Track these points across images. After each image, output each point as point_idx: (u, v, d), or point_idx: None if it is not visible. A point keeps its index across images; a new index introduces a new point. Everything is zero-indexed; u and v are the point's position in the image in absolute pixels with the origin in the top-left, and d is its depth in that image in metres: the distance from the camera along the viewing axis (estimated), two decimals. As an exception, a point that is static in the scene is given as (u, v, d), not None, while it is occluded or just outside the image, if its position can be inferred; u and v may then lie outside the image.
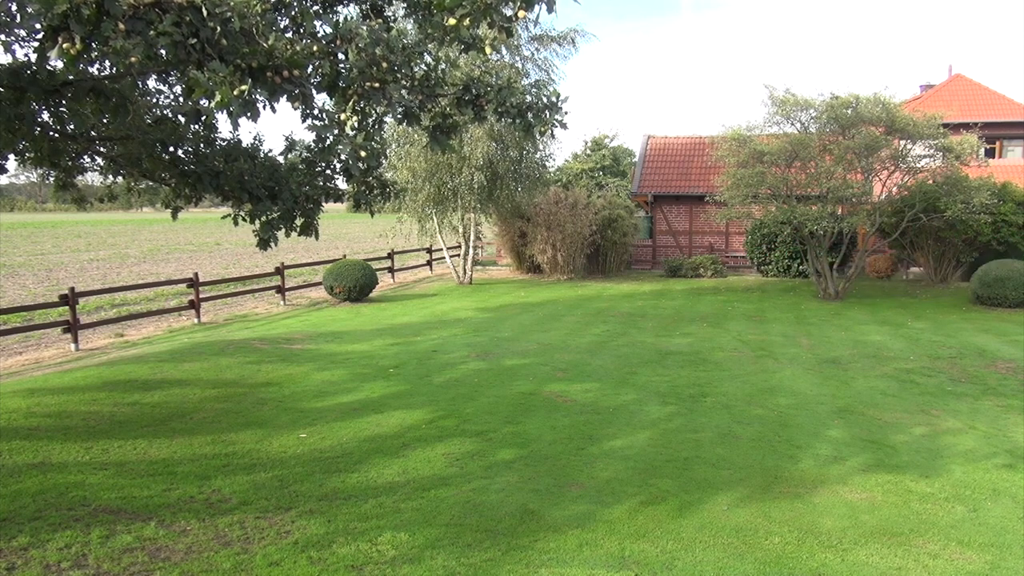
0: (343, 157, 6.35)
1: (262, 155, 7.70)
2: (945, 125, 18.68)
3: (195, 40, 3.87)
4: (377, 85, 4.81)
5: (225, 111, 3.97)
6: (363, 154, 5.02)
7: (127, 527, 5.59)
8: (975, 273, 18.17)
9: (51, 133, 7.14)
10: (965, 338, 13.64)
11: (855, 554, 5.27)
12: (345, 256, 22.28)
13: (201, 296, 17.21)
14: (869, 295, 19.98)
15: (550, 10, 4.82)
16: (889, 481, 6.64)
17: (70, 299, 13.51)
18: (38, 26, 4.13)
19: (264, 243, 6.90)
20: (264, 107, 4.38)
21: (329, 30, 5.00)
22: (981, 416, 8.66)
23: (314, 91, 4.79)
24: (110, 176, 8.40)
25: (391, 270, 25.15)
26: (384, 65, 4.79)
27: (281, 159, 7.48)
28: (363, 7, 6.51)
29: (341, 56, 4.91)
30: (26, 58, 5.86)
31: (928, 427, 8.26)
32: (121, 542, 5.34)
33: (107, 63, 5.92)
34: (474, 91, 6.00)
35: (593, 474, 6.79)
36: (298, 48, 4.44)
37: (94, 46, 4.16)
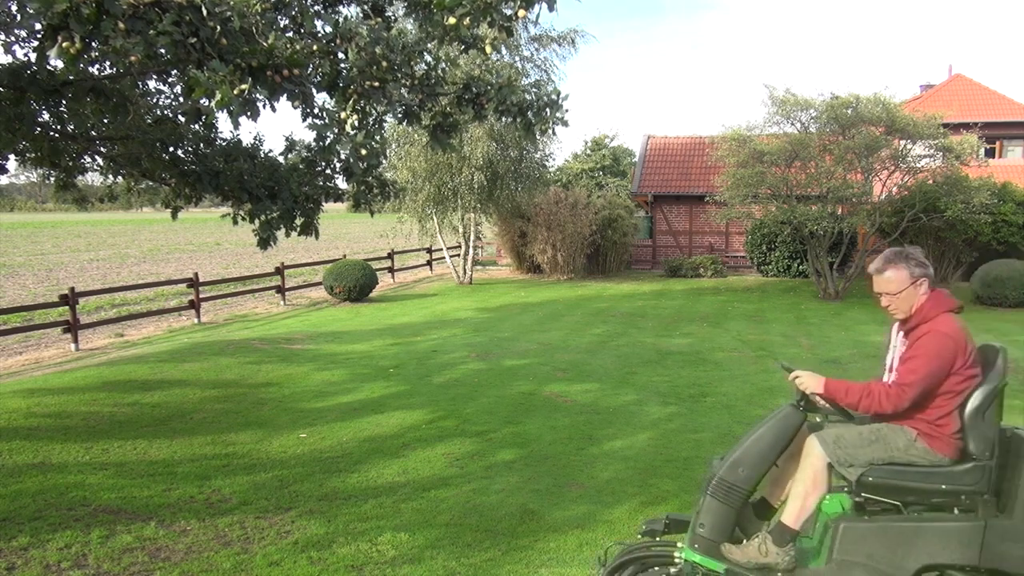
0: (343, 156, 6.35)
1: (262, 155, 7.69)
2: (945, 125, 18.68)
3: (195, 39, 3.86)
4: (377, 84, 4.80)
5: (225, 110, 3.96)
6: (363, 152, 5.01)
7: (127, 527, 5.59)
8: (975, 273, 18.18)
9: (51, 133, 7.14)
10: (965, 338, 13.63)
11: (855, 554, 5.26)
12: (345, 256, 22.29)
13: (201, 296, 17.22)
14: (869, 295, 19.93)
15: (551, 8, 4.82)
16: (889, 481, 6.63)
17: (70, 299, 13.51)
18: (38, 26, 4.13)
19: (264, 243, 6.89)
20: (264, 106, 4.38)
21: (329, 29, 5.00)
22: (981, 416, 8.65)
23: (314, 90, 4.78)
24: (110, 176, 8.40)
25: (391, 270, 25.16)
26: (384, 64, 4.79)
27: (281, 159, 7.47)
28: (364, 7, 6.51)
29: (341, 55, 4.91)
30: (26, 58, 5.86)
31: (928, 427, 8.25)
32: (121, 542, 5.33)
33: (107, 63, 5.93)
34: (474, 90, 5.99)
35: (593, 474, 6.78)
36: (298, 47, 4.44)
37: (94, 45, 4.16)
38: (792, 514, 3.56)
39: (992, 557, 3.19)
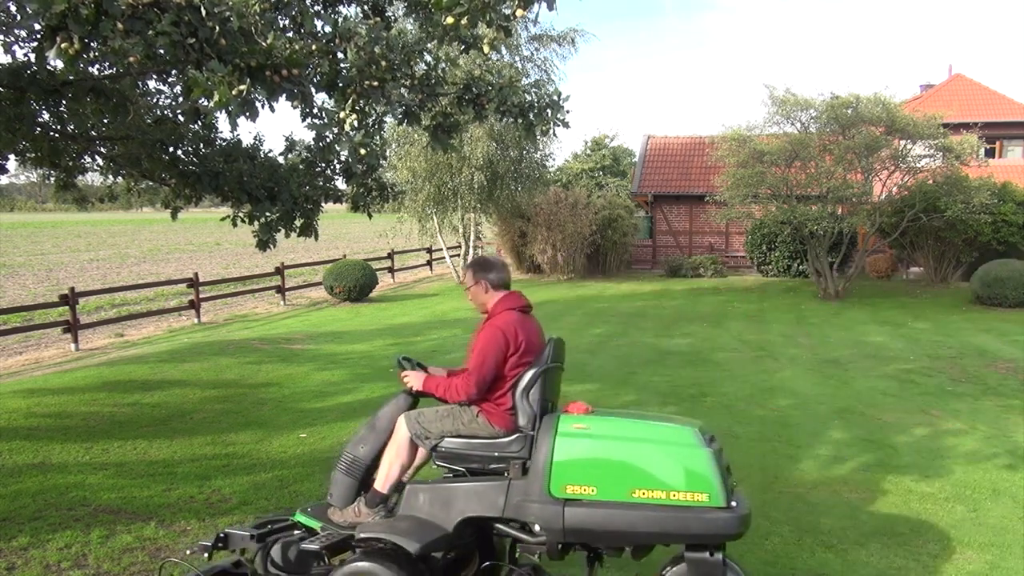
0: (343, 156, 6.34)
1: (262, 155, 7.69)
2: (945, 125, 18.67)
3: (194, 40, 3.86)
4: (376, 84, 4.80)
5: (224, 110, 3.97)
6: (363, 153, 5.01)
7: (127, 527, 5.58)
8: (975, 273, 18.16)
9: (51, 133, 7.14)
10: (965, 338, 13.64)
11: (855, 554, 5.26)
12: (345, 256, 22.29)
13: (201, 296, 17.22)
14: (869, 295, 19.98)
15: (551, 7, 4.80)
16: (889, 481, 6.63)
17: (70, 299, 13.51)
18: (37, 26, 4.13)
19: (263, 244, 6.89)
20: (263, 107, 4.37)
21: (328, 29, 5.00)
22: (981, 416, 8.65)
23: (313, 90, 4.78)
24: (110, 176, 8.40)
25: (391, 270, 25.16)
26: (383, 64, 4.78)
27: (281, 159, 7.47)
28: (363, 7, 6.51)
29: (340, 55, 4.90)
30: (26, 58, 5.86)
31: (928, 427, 8.25)
32: (121, 542, 5.33)
33: (106, 63, 5.93)
34: (475, 90, 5.99)
35: (593, 474, 6.77)
36: (297, 47, 4.43)
37: (93, 46, 4.15)
38: (380, 480, 4.15)
39: (513, 510, 3.84)
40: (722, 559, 3.72)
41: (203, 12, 3.88)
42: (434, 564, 3.99)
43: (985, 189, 18.32)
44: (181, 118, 7.03)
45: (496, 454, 3.98)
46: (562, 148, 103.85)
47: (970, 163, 18.80)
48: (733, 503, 3.66)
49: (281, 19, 5.31)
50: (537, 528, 3.81)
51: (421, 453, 4.16)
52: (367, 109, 5.06)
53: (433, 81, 5.58)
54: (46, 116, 7.00)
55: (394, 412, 4.24)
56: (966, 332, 14.28)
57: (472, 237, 24.30)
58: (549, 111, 6.22)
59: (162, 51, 3.93)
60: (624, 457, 3.73)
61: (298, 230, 7.32)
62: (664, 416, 4.24)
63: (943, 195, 18.48)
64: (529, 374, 3.99)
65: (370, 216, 8.29)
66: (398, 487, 4.15)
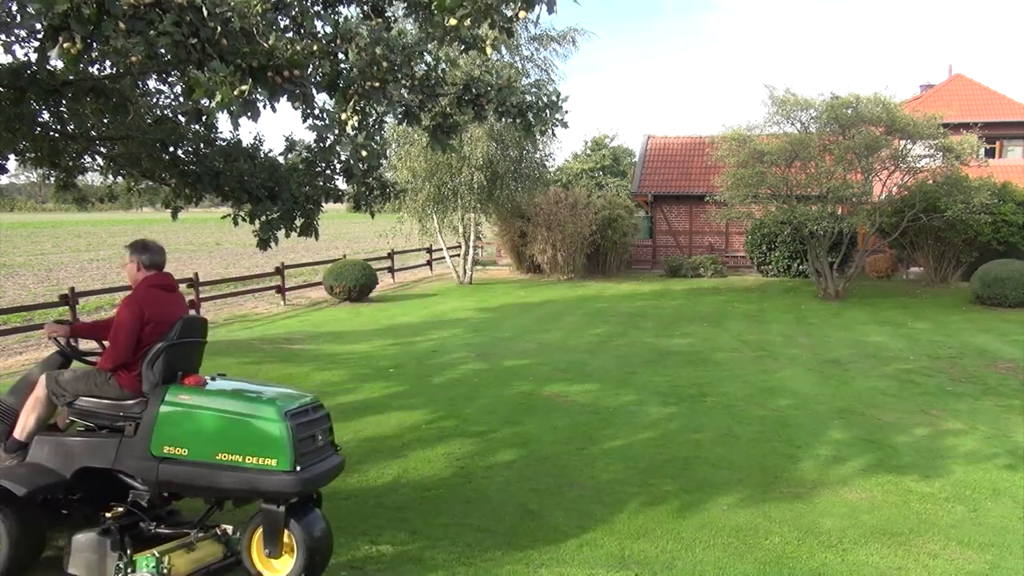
0: (343, 157, 6.35)
1: (262, 155, 7.68)
2: (945, 125, 18.68)
3: (195, 40, 3.87)
4: (377, 85, 4.81)
5: (226, 111, 3.97)
6: (364, 154, 5.01)
7: (127, 527, 5.58)
8: (975, 273, 18.17)
9: (51, 133, 7.13)
10: (965, 338, 13.65)
11: (855, 554, 5.27)
12: (345, 256, 22.30)
13: (201, 296, 17.22)
14: (869, 295, 19.98)
15: (550, 10, 4.81)
16: (889, 481, 6.64)
17: (70, 299, 13.51)
18: (38, 26, 4.14)
19: (264, 243, 6.89)
20: (264, 107, 4.38)
21: (329, 30, 5.00)
22: (981, 416, 8.66)
23: (314, 91, 4.79)
24: (110, 176, 8.39)
25: (391, 270, 25.15)
26: (384, 65, 4.79)
27: (281, 159, 7.47)
28: (364, 7, 6.51)
29: (341, 56, 4.91)
30: (26, 58, 5.86)
31: (928, 427, 8.26)
32: (121, 542, 5.32)
33: (107, 63, 5.93)
34: (474, 90, 5.99)
35: (593, 474, 6.79)
36: (298, 48, 4.44)
37: (95, 46, 4.16)
38: (18, 428, 4.65)
39: (120, 463, 4.43)
40: (285, 511, 4.31)
41: (205, 12, 3.89)
42: (56, 506, 4.57)
43: (985, 189, 18.33)
44: (182, 118, 7.02)
45: (121, 414, 4.51)
46: (562, 148, 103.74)
47: (970, 163, 18.80)
48: (299, 468, 4.23)
49: (282, 19, 5.31)
50: (140, 480, 4.42)
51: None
52: (367, 110, 5.06)
53: (433, 81, 5.58)
54: (46, 116, 6.99)
55: (42, 369, 4.79)
56: (966, 332, 14.28)
57: (472, 237, 24.30)
58: (548, 111, 6.22)
59: (164, 51, 3.93)
60: (214, 425, 4.34)
61: (298, 229, 7.32)
62: (275, 391, 4.87)
63: (943, 195, 18.49)
64: (155, 348, 4.48)
65: (373, 215, 8.29)
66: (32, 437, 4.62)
